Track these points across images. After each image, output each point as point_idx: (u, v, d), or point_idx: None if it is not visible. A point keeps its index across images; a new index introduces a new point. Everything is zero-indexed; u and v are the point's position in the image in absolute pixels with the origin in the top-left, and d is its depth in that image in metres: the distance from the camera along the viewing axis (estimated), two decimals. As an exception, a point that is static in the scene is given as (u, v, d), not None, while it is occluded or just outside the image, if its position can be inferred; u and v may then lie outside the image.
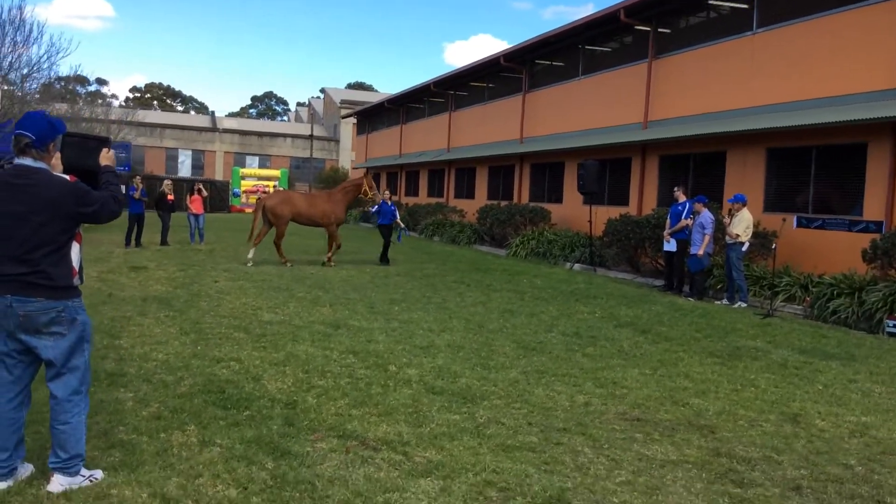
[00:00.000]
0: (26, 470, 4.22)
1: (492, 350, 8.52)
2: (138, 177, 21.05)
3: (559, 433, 5.64)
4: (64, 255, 3.97)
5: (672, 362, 8.31)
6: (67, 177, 4.07)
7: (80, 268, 4.12)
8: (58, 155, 4.24)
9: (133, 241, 19.86)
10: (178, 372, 6.89)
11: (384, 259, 18.11)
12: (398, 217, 19.08)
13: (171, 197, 21.24)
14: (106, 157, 4.28)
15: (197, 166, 66.68)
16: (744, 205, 13.89)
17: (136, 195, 19.86)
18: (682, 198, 15.02)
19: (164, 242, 20.57)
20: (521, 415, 6.06)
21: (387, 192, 19.45)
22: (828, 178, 15.35)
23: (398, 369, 7.37)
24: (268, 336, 8.69)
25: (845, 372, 8.21)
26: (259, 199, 17.68)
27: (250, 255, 16.72)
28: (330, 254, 17.26)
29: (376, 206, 18.72)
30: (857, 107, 14.18)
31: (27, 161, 3.97)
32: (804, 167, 15.60)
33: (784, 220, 13.38)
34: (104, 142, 4.37)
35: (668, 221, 15.24)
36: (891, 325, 10.96)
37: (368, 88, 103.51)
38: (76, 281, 4.05)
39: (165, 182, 21.69)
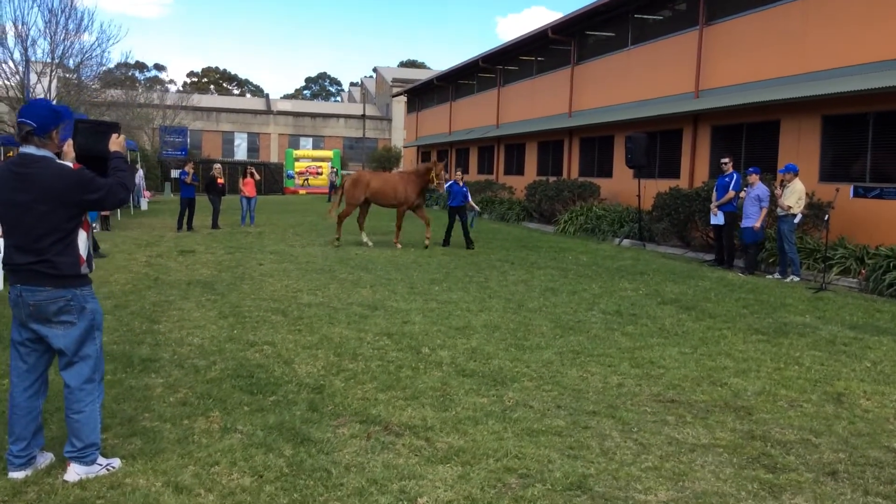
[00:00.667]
0: (46, 459, 4.28)
1: (528, 330, 8.39)
2: (191, 162, 21.35)
3: (588, 416, 5.50)
4: (70, 244, 3.97)
5: (714, 340, 8.07)
6: (71, 164, 4.07)
7: (89, 256, 4.12)
8: (70, 142, 4.25)
9: (185, 225, 20.21)
10: (211, 356, 6.94)
11: (467, 242, 17.07)
12: (470, 199, 18.09)
13: (220, 181, 21.50)
14: (115, 143, 4.26)
15: (252, 149, 67.66)
16: (795, 175, 13.38)
17: (188, 180, 20.18)
18: (729, 169, 14.56)
19: (214, 226, 20.88)
20: (551, 397, 5.93)
21: (458, 173, 18.13)
22: (886, 146, 14.67)
23: (431, 351, 7.31)
24: (304, 319, 8.70)
25: (897, 348, 7.85)
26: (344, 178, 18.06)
27: (364, 238, 17.22)
28: (396, 237, 17.16)
29: (445, 187, 17.48)
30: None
31: (30, 149, 3.97)
32: (861, 134, 14.95)
33: (837, 189, 12.84)
34: (114, 127, 4.35)
35: (714, 194, 14.81)
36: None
37: (421, 66, 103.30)
38: (84, 269, 4.06)
39: (215, 166, 21.97)
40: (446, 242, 17.34)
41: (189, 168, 20.39)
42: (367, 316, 8.97)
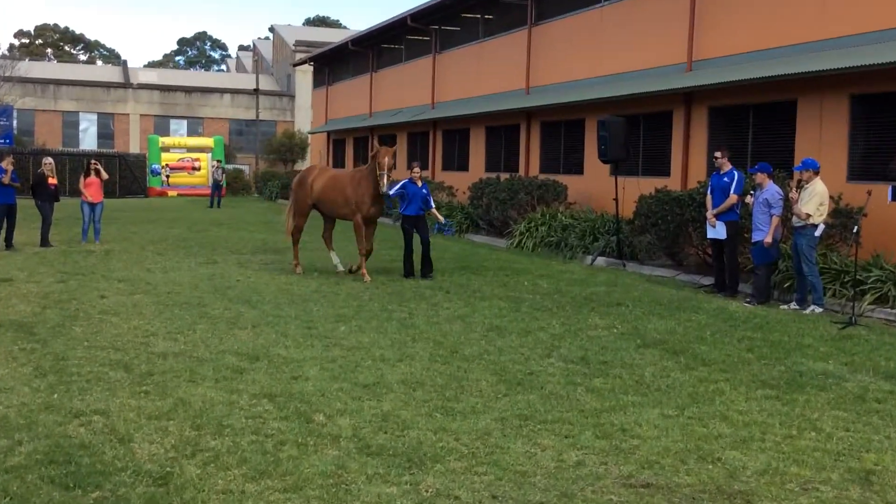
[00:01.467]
0: None
1: (462, 387, 8.30)
2: (9, 156, 20.74)
3: (533, 510, 5.37)
4: None
5: (707, 397, 8.07)
6: None
7: None
8: None
9: (1, 242, 19.59)
10: (17, 433, 6.64)
11: (425, 267, 16.17)
12: (433, 205, 16.90)
13: (52, 181, 20.93)
14: None
15: (105, 135, 66.61)
16: (816, 173, 13.60)
17: (5, 179, 19.57)
18: (726, 165, 14.73)
19: (44, 243, 20.31)
20: (485, 484, 5.80)
21: (415, 168, 16.74)
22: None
23: (326, 419, 7.16)
24: (155, 376, 8.47)
25: (945, 406, 7.94)
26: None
27: (334, 260, 17.21)
28: (358, 263, 16.36)
29: (393, 189, 16.14)
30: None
31: None
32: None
33: (869, 192, 13.05)
34: None
35: (708, 198, 14.96)
36: None
37: (334, 25, 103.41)
38: None
39: (45, 161, 21.38)
40: (409, 272, 16.19)
41: (6, 164, 19.78)
42: (244, 370, 8.79)
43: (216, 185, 40.75)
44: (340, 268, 16.76)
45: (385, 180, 15.54)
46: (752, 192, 14.19)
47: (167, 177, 50.00)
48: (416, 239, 16.32)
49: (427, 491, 5.66)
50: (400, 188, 16.25)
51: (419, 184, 16.46)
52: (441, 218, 17.83)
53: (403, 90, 38.19)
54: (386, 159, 15.56)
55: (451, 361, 9.35)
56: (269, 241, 22.82)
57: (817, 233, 13.42)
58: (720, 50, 19.70)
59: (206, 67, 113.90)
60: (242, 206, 40.41)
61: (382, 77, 41.16)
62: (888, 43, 15.32)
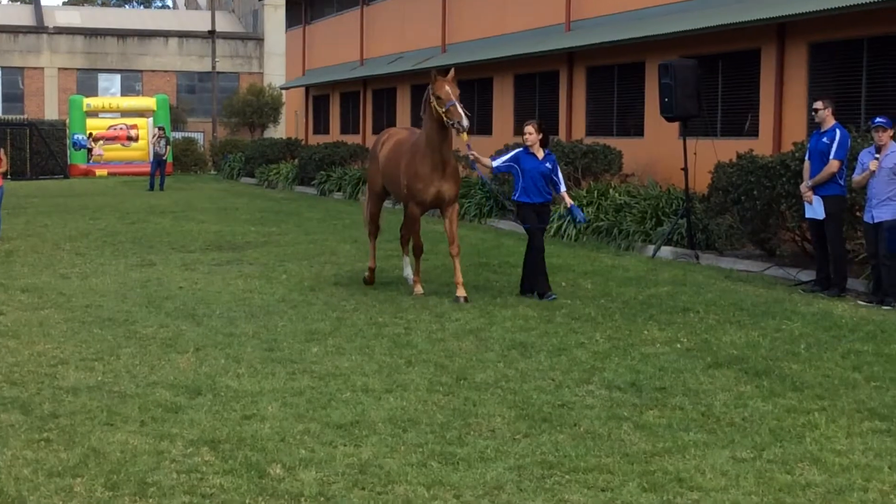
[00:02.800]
0: None
1: (469, 425, 8.31)
2: None
3: (551, 590, 5.40)
4: None
5: (796, 433, 8.07)
6: None
7: None
8: None
9: None
10: None
11: (541, 286, 14.43)
12: (563, 185, 14.91)
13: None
14: None
15: (12, 97, 67.03)
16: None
17: None
18: (828, 121, 14.67)
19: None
20: (490, 556, 5.82)
21: (531, 129, 14.47)
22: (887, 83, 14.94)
23: (286, 473, 7.18)
24: (62, 417, 8.50)
25: None
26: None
27: (406, 270, 15.91)
28: (414, 270, 15.32)
29: (498, 161, 14.84)
30: None
31: None
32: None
33: None
34: None
35: (806, 166, 14.90)
36: None
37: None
38: None
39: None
40: (527, 288, 14.60)
41: None
42: (180, 408, 8.80)
43: (158, 161, 40.69)
44: (411, 280, 15.41)
45: (461, 132, 13.58)
46: (875, 155, 14.06)
47: (91, 150, 50.20)
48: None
49: (412, 568, 5.69)
50: (510, 160, 14.57)
51: (540, 154, 14.49)
52: (579, 212, 15.35)
53: (405, 29, 38.25)
54: (447, 88, 13.68)
55: (456, 391, 9.35)
56: (225, 233, 22.94)
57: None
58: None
59: (146, 4, 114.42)
60: (193, 188, 40.61)
61: (377, 12, 41.21)
62: None
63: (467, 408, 8.81)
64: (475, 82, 33.30)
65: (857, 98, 18.52)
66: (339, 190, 35.50)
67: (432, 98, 13.72)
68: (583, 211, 15.94)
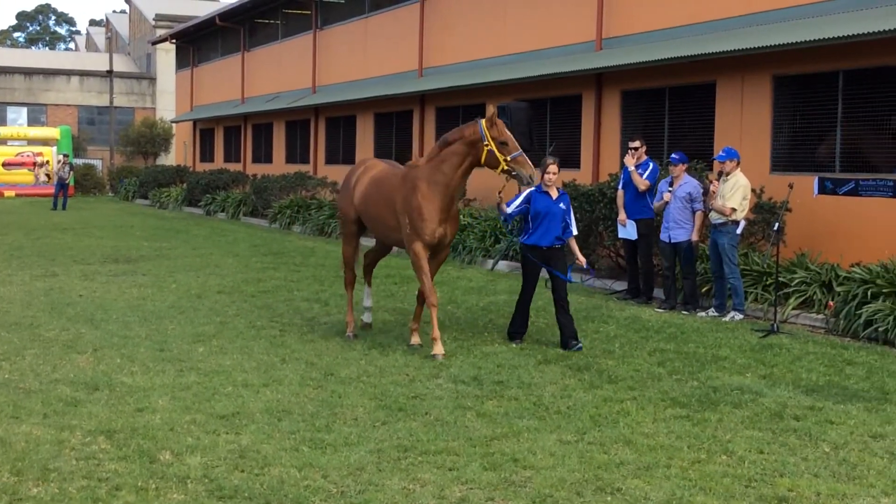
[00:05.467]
0: None
1: (335, 414, 8.27)
2: None
3: (406, 557, 5.36)
4: None
5: (611, 419, 8.20)
6: None
7: None
8: None
9: None
10: None
11: (565, 330, 11.56)
12: (574, 229, 12.18)
13: None
14: None
15: (-71, 126, 64.50)
16: (738, 164, 13.93)
17: None
18: (641, 156, 15.00)
19: None
20: (353, 528, 5.77)
21: (551, 167, 11.86)
22: (863, 118, 15.50)
23: (174, 458, 7.05)
24: (-28, 411, 8.20)
25: (870, 422, 8.22)
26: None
27: (366, 302, 12.71)
28: (414, 321, 11.75)
29: (512, 203, 11.95)
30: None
31: None
32: (828, 102, 15.76)
33: (791, 185, 13.41)
34: None
35: (620, 194, 15.21)
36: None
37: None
38: None
39: None
40: (520, 329, 11.94)
41: None
42: (79, 402, 8.60)
43: (61, 184, 39.66)
44: (367, 318, 12.60)
45: (527, 172, 10.96)
46: (669, 187, 14.37)
47: None
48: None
49: (285, 538, 5.61)
50: (522, 203, 11.84)
51: (554, 193, 11.83)
52: (582, 258, 12.08)
53: (281, 72, 37.89)
54: (508, 133, 11.08)
55: (324, 385, 9.31)
56: (122, 248, 22.36)
57: (739, 230, 13.74)
58: (632, 27, 20.01)
59: (51, 46, 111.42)
60: (93, 208, 39.53)
61: (256, 57, 40.76)
62: (814, 19, 15.77)
63: (334, 399, 8.78)
64: (341, 119, 33.17)
65: (660, 137, 18.92)
66: (222, 210, 35.12)
67: (490, 141, 10.79)
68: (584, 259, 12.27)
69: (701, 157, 16.55)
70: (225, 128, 44.70)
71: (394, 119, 29.77)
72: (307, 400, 8.74)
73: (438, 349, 10.68)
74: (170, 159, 60.78)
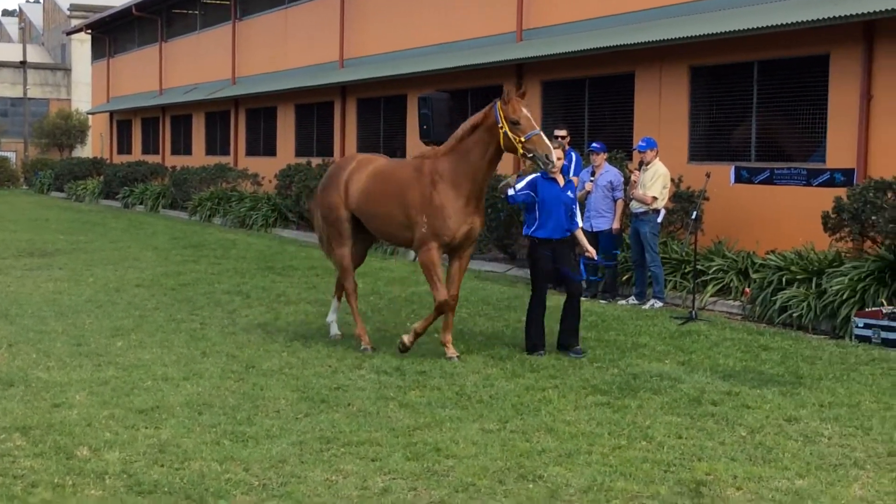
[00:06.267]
0: None
1: (257, 407, 8.19)
2: None
3: (329, 548, 5.35)
4: None
5: (533, 407, 8.23)
6: None
7: None
8: None
9: None
10: None
11: (566, 334, 10.75)
12: (580, 220, 11.27)
13: None
14: None
15: None
16: (657, 153, 14.09)
17: None
18: (564, 146, 15.09)
19: None
20: (275, 520, 5.73)
21: (562, 137, 12.20)
22: (777, 108, 15.79)
23: (92, 454, 6.93)
24: None
25: (784, 406, 8.37)
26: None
27: (331, 317, 11.61)
28: (424, 323, 10.52)
29: (517, 186, 10.88)
30: (814, 1, 14.62)
31: None
32: (743, 92, 16.01)
33: (708, 174, 13.63)
34: None
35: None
36: (861, 324, 11.36)
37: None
38: None
39: None
40: (538, 340, 10.66)
41: None
42: (-6, 398, 8.40)
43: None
44: (335, 330, 11.43)
45: (548, 169, 10.14)
46: (591, 177, 14.51)
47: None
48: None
49: (206, 533, 5.56)
50: (526, 187, 10.74)
51: (561, 181, 10.83)
52: (591, 250, 11.23)
53: (200, 63, 37.44)
54: (525, 112, 10.04)
55: (246, 378, 9.21)
56: (37, 241, 21.95)
57: (659, 219, 13.92)
58: (553, 18, 20.13)
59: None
60: (6, 202, 38.77)
61: (174, 48, 40.24)
62: (730, 10, 16.00)
63: (255, 392, 8.69)
64: (262, 111, 32.88)
65: (581, 127, 19.05)
66: (141, 203, 34.73)
67: (503, 122, 9.90)
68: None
69: (621, 147, 16.76)
70: (143, 119, 44.06)
71: (315, 110, 29.59)
72: (228, 393, 8.64)
73: (452, 352, 10.15)
74: (86, 151, 59.77)
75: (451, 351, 10.18)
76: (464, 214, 10.15)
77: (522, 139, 9.80)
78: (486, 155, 10.11)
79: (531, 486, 6.35)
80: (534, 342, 10.54)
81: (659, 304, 13.60)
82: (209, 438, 7.30)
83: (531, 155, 9.87)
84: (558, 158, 10.62)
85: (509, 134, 9.86)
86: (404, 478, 6.49)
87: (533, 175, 10.82)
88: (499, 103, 10.04)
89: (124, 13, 43.44)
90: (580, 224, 11.11)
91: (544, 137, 9.97)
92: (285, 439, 7.29)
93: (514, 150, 10.07)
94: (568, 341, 10.57)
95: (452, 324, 10.43)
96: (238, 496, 6.13)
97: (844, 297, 11.76)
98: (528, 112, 10.00)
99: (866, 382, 9.31)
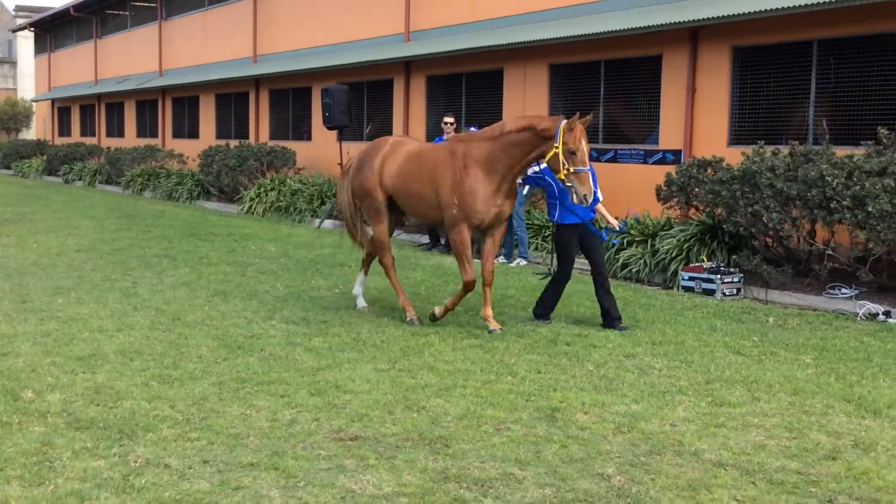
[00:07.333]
0: None
1: (181, 353, 8.04)
2: None
3: (243, 471, 5.30)
4: None
5: (418, 350, 8.26)
6: None
7: None
8: None
9: None
10: None
11: (610, 311, 9.44)
12: (600, 196, 9.80)
13: None
14: None
15: None
16: (521, 137, 14.16)
17: None
18: (450, 130, 15.11)
19: None
20: (196, 449, 5.65)
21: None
22: (620, 99, 16.05)
23: (35, 396, 6.73)
24: None
25: (624, 344, 8.55)
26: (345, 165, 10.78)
27: (357, 290, 10.49)
28: (454, 299, 9.55)
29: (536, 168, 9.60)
30: (651, 10, 14.85)
31: None
32: (593, 86, 16.21)
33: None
34: None
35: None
36: (686, 277, 11.65)
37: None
38: None
39: None
40: (549, 307, 9.82)
41: None
42: (-53, 350, 8.08)
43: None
44: (361, 303, 10.32)
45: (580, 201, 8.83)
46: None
47: None
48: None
49: (136, 462, 5.44)
50: (538, 175, 9.71)
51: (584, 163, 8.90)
52: (613, 220, 10.13)
53: (131, 57, 36.34)
54: (584, 145, 8.78)
55: (172, 329, 9.03)
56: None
57: (525, 191, 14.00)
58: (436, 22, 20.08)
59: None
60: (-40, 178, 37.20)
61: (108, 44, 38.99)
62: (583, 17, 16.15)
63: (180, 341, 8.53)
64: (186, 99, 32.09)
65: (459, 114, 19.01)
66: (80, 179, 33.66)
67: (561, 145, 8.60)
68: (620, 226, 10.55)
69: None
70: (81, 106, 42.64)
71: (232, 99, 29.00)
72: (156, 342, 8.47)
73: (493, 324, 9.10)
74: (31, 134, 57.75)
75: (494, 324, 9.12)
76: (493, 199, 9.10)
77: (572, 170, 8.62)
78: (527, 156, 8.96)
79: (415, 415, 6.38)
80: (544, 310, 9.64)
81: (524, 262, 13.73)
82: (139, 381, 7.16)
83: (570, 185, 8.71)
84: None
85: (561, 157, 8.64)
86: (309, 410, 6.45)
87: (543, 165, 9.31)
88: (563, 124, 8.68)
89: (63, 13, 41.84)
90: (601, 197, 9.75)
91: (590, 178, 8.87)
92: (206, 380, 7.18)
93: (555, 170, 8.81)
94: (610, 318, 9.33)
95: (491, 299, 9.44)
96: (164, 429, 6.02)
97: (673, 255, 12.05)
98: (587, 146, 8.82)
99: (689, 324, 9.57)
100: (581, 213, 9.38)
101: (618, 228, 10.28)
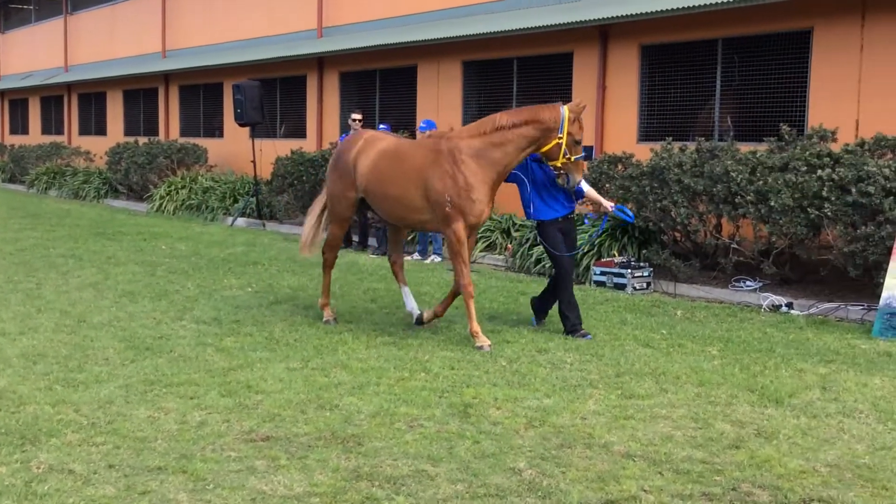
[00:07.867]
0: None
1: (87, 356, 7.84)
2: None
3: (150, 475, 5.19)
4: None
5: (331, 348, 8.20)
6: None
7: None
8: None
9: None
10: None
11: (549, 303, 9.40)
12: (584, 189, 9.30)
13: None
14: None
15: None
16: (435, 133, 14.20)
17: None
18: (357, 126, 15.06)
19: None
20: (102, 454, 5.52)
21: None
22: (533, 96, 16.16)
23: (-68, 403, 6.47)
24: None
25: (537, 339, 8.63)
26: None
27: (410, 304, 9.51)
28: (441, 307, 9.18)
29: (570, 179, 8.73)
30: (563, 8, 15.02)
31: None
32: (506, 83, 16.32)
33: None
34: None
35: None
36: (598, 272, 11.81)
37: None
38: None
39: None
40: (541, 313, 9.48)
41: None
42: None
43: None
44: (417, 311, 9.35)
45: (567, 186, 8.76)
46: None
47: None
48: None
49: (38, 468, 5.29)
50: (517, 169, 8.98)
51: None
52: (607, 203, 9.50)
53: (35, 52, 35.42)
54: (580, 131, 8.52)
55: (77, 331, 8.79)
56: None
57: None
58: (349, 18, 20.02)
59: None
60: None
61: (11, 38, 37.97)
62: (496, 14, 16.27)
63: (86, 343, 8.31)
64: (92, 95, 31.36)
65: (372, 111, 19.04)
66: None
67: (566, 136, 8.31)
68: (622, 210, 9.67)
69: (405, 128, 16.84)
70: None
71: (141, 95, 28.45)
72: (61, 345, 8.24)
73: (483, 340, 8.31)
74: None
75: (482, 340, 8.36)
76: (487, 198, 8.59)
77: (572, 158, 8.44)
78: (524, 150, 8.50)
79: (328, 413, 6.34)
80: (573, 323, 8.91)
81: (438, 259, 13.78)
82: (43, 385, 6.96)
83: (565, 172, 8.55)
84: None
85: (564, 147, 8.35)
86: (219, 412, 6.36)
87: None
88: (567, 113, 8.34)
89: (-38, 6, 40.54)
90: (585, 190, 9.22)
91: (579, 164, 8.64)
92: (113, 383, 7.02)
93: (553, 158, 8.47)
94: (575, 328, 8.89)
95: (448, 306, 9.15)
96: (69, 434, 5.86)
97: (586, 250, 12.21)
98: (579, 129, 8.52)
99: (601, 318, 9.72)
100: (558, 208, 9.00)
101: (612, 210, 9.47)
